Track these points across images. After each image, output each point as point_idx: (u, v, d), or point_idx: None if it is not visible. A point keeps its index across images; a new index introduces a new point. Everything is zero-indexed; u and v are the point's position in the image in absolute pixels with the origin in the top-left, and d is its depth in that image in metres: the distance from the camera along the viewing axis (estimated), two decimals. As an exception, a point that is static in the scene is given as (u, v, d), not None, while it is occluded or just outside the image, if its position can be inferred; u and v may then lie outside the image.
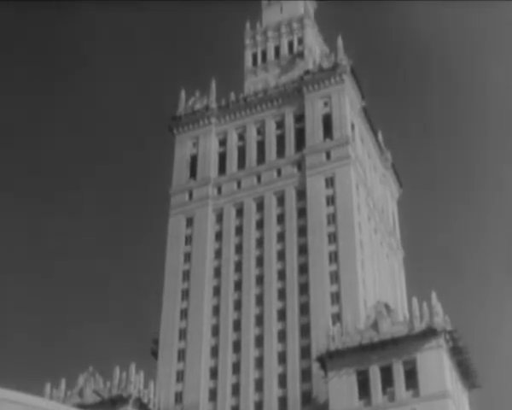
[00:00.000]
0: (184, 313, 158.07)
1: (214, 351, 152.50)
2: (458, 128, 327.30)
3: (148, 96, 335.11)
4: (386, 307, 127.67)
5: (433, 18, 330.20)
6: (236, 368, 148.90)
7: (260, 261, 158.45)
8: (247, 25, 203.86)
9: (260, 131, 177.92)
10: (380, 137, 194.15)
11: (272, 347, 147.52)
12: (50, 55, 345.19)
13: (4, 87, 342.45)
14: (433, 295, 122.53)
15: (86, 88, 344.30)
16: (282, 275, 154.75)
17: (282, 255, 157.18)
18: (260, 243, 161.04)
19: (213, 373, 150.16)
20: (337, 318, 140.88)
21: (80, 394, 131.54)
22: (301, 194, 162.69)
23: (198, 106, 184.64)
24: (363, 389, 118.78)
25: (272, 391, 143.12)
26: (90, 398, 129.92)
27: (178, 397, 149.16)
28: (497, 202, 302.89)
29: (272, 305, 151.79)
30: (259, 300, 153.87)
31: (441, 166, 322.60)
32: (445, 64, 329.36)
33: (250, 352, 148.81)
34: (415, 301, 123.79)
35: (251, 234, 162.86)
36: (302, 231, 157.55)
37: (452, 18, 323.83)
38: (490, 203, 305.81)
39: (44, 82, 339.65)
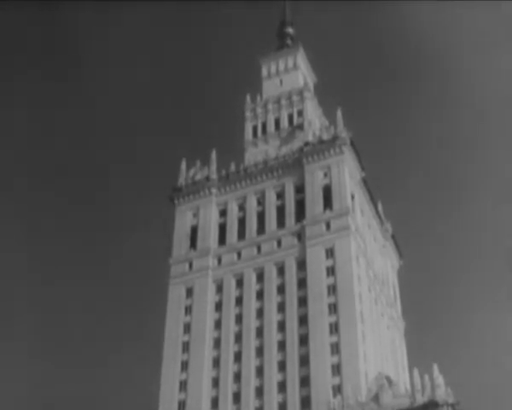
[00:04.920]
0: (184, 385, 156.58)
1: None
2: (458, 197, 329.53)
3: (149, 166, 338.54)
4: (388, 379, 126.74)
5: (433, 80, 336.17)
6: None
7: (260, 332, 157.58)
8: (248, 97, 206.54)
9: (260, 202, 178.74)
10: (380, 208, 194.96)
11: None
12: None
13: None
14: (435, 367, 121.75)
15: (88, 157, 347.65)
16: (282, 346, 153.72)
17: (282, 326, 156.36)
18: (260, 313, 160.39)
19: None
20: (338, 390, 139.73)
21: None
22: (301, 264, 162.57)
23: (199, 176, 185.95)
24: None
25: None
26: None
27: None
28: (498, 269, 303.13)
29: (272, 376, 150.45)
30: (259, 371, 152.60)
31: (441, 236, 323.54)
32: (445, 131, 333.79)
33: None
34: (416, 372, 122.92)
35: (251, 305, 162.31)
36: (302, 302, 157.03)
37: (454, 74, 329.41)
38: (491, 271, 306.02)
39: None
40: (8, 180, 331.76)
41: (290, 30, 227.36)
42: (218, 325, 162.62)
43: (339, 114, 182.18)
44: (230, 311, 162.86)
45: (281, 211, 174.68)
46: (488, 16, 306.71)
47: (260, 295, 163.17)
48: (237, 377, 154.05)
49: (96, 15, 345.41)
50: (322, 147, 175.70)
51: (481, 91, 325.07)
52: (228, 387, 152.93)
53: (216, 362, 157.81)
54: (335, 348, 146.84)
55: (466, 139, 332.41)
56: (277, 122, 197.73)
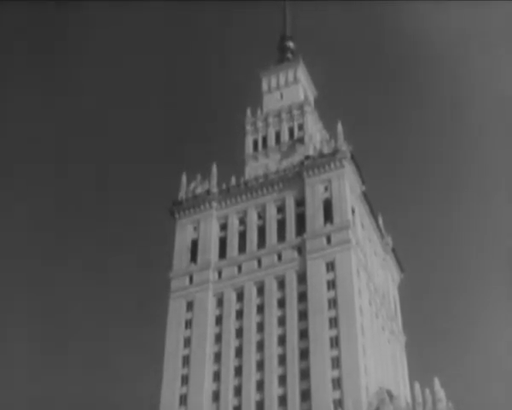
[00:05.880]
0: (184, 399, 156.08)
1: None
2: (459, 210, 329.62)
3: (150, 180, 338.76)
4: (389, 393, 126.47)
5: (434, 90, 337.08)
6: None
7: (261, 346, 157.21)
8: (248, 111, 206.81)
9: (261, 216, 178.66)
10: (380, 221, 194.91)
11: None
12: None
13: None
14: (436, 381, 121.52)
15: (88, 169, 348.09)
16: (282, 360, 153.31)
17: (282, 340, 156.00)
18: (261, 327, 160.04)
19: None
20: (338, 404, 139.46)
21: None
22: (302, 278, 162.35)
23: (199, 190, 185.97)
24: None
25: None
26: None
27: None
28: (500, 282, 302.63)
29: (273, 391, 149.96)
30: (260, 385, 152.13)
31: (441, 250, 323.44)
32: (446, 143, 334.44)
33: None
34: (417, 386, 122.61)
35: (251, 318, 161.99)
36: (303, 316, 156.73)
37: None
38: (493, 284, 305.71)
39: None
40: (8, 191, 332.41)
41: (290, 43, 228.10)
42: (218, 338, 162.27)
43: (339, 127, 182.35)
44: (231, 325, 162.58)
45: (281, 225, 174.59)
46: (490, 16, 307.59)
47: (261, 308, 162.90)
48: (238, 391, 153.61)
49: (95, 23, 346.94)
50: (323, 161, 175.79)
51: (483, 98, 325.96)
52: (228, 401, 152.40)
53: (216, 376, 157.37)
54: (336, 362, 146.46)
55: (467, 151, 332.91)
56: (278, 136, 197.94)
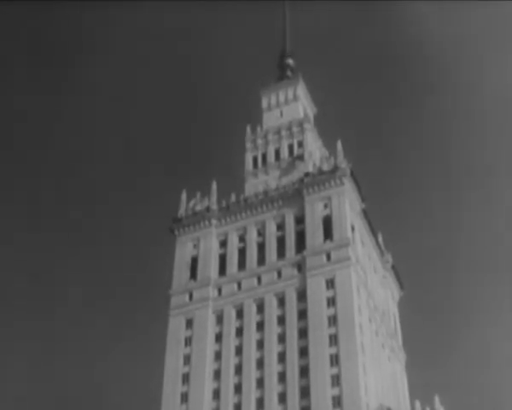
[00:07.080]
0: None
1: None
2: (460, 226, 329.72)
3: (150, 197, 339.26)
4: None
5: (431, 108, 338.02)
6: None
7: (261, 364, 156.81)
8: (248, 128, 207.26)
9: (261, 233, 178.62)
10: (380, 239, 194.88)
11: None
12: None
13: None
14: (436, 399, 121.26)
15: (87, 186, 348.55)
16: (282, 378, 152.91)
17: (282, 357, 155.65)
18: (261, 344, 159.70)
19: None
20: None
21: None
22: (302, 295, 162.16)
23: (199, 207, 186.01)
24: None
25: None
26: None
27: None
28: (501, 298, 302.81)
29: (273, 409, 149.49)
30: (260, 403, 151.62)
31: (442, 267, 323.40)
32: (446, 159, 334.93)
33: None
34: (417, 404, 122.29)
35: (251, 336, 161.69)
36: (303, 333, 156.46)
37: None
38: (493, 300, 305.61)
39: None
40: (8, 204, 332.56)
41: (290, 61, 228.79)
42: (218, 356, 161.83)
43: (339, 145, 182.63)
44: (230, 342, 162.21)
45: (281, 242, 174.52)
46: (490, 17, 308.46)
47: (261, 326, 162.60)
48: (238, 409, 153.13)
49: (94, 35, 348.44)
50: (323, 178, 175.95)
51: (485, 103, 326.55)
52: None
53: (216, 394, 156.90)
54: (336, 380, 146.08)
55: (469, 166, 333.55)
56: (277, 153, 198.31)
